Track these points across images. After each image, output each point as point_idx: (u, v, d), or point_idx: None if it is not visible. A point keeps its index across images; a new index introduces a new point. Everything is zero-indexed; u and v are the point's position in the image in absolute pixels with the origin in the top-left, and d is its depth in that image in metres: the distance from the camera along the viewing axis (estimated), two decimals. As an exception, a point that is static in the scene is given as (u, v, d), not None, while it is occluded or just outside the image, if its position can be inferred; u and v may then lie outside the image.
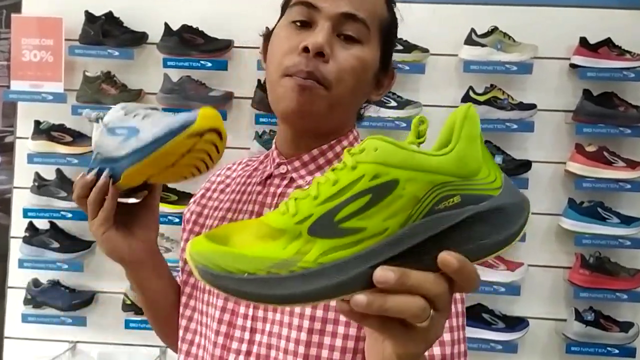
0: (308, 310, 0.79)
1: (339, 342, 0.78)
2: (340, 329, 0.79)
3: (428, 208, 0.49)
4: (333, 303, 0.72)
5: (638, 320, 2.34)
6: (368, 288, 0.48)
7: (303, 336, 0.79)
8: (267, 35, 0.90)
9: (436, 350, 0.77)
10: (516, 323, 2.33)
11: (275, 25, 0.89)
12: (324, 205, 0.50)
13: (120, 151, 0.79)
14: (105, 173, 0.81)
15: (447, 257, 0.48)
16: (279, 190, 0.88)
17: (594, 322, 2.29)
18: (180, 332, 0.95)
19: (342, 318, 0.79)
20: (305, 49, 0.80)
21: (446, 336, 0.77)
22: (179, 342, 0.94)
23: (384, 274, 0.47)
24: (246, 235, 0.51)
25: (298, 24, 0.84)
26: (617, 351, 2.30)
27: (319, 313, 0.79)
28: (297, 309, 0.80)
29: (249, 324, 0.84)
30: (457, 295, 0.82)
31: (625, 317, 2.36)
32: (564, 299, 2.40)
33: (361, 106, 0.93)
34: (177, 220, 2.27)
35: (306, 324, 0.79)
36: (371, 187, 0.49)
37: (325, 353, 0.78)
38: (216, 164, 0.84)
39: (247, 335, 0.84)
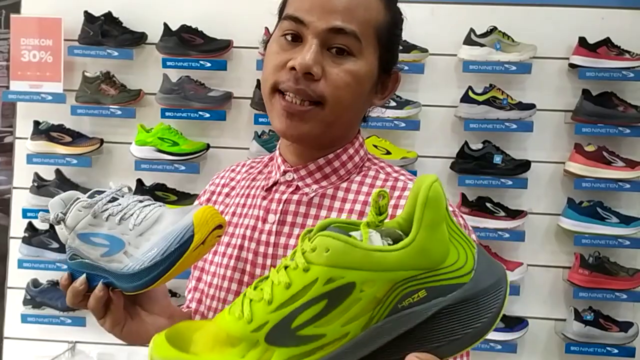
0: None
1: None
2: None
3: (391, 307, 0.45)
4: None
5: (637, 320, 2.34)
6: None
7: None
8: (266, 43, 0.90)
9: None
10: (516, 323, 2.33)
11: (273, 32, 0.88)
12: (279, 312, 0.47)
13: (110, 264, 0.71)
14: (99, 287, 0.73)
15: None
16: (284, 197, 0.88)
17: (594, 322, 2.29)
18: (193, 304, 0.92)
19: None
20: (293, 68, 0.79)
21: None
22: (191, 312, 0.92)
23: None
24: (206, 340, 0.49)
25: (288, 37, 0.82)
26: (616, 351, 2.30)
27: None
28: None
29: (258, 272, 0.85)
30: None
31: (624, 316, 2.36)
32: (564, 299, 2.40)
33: (365, 112, 0.92)
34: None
35: None
36: (326, 291, 0.45)
37: None
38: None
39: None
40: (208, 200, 0.99)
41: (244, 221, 0.91)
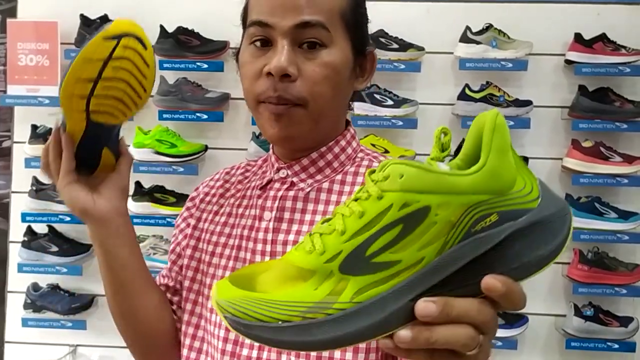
0: None
1: None
2: None
3: (464, 231, 0.46)
4: None
5: (637, 315, 2.34)
6: (411, 321, 0.46)
7: None
8: (237, 55, 0.90)
9: None
10: (516, 319, 2.33)
11: (240, 43, 0.89)
12: (353, 241, 0.47)
13: None
14: (56, 123, 0.81)
15: (492, 282, 0.46)
16: (279, 194, 0.89)
17: (594, 318, 2.29)
18: (187, 340, 0.92)
19: None
20: (270, 74, 0.79)
21: None
22: (182, 348, 0.92)
23: (426, 306, 0.45)
24: (273, 277, 0.48)
25: (258, 44, 0.82)
26: (617, 346, 2.30)
27: None
28: None
29: None
30: None
31: (624, 311, 2.36)
32: (563, 295, 2.40)
33: (349, 98, 0.91)
34: (175, 222, 2.27)
35: None
36: (401, 217, 0.46)
37: (337, 354, 0.78)
38: (149, 81, 0.80)
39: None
40: (202, 200, 0.99)
41: (240, 221, 0.91)
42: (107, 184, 0.85)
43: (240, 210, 0.92)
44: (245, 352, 0.83)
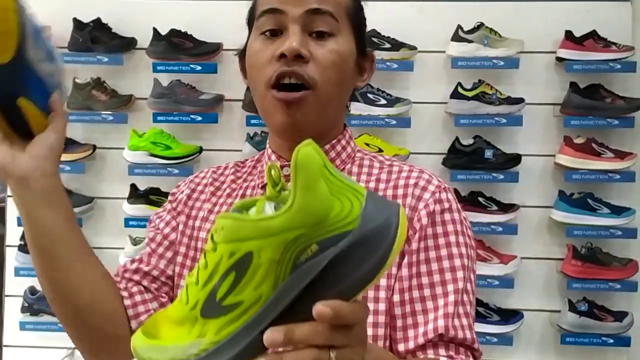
0: None
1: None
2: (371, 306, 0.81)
3: (290, 265, 0.51)
4: None
5: (632, 310, 2.36)
6: (265, 351, 0.52)
7: None
8: (242, 53, 0.91)
9: (429, 326, 0.80)
10: (511, 315, 2.35)
11: (247, 41, 0.90)
12: (205, 290, 0.53)
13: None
14: None
15: (321, 309, 0.50)
16: None
17: (588, 313, 2.31)
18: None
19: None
20: (282, 56, 0.81)
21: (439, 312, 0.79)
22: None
23: (271, 336, 0.50)
24: (167, 324, 0.56)
25: (268, 33, 0.85)
26: (611, 341, 2.32)
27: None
28: None
29: None
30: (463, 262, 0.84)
31: (618, 306, 2.38)
32: (558, 290, 2.42)
33: (349, 95, 0.94)
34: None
35: None
36: (232, 264, 0.52)
37: None
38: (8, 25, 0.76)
39: None
40: (189, 197, 0.98)
41: None
42: (34, 141, 0.77)
43: None
44: None
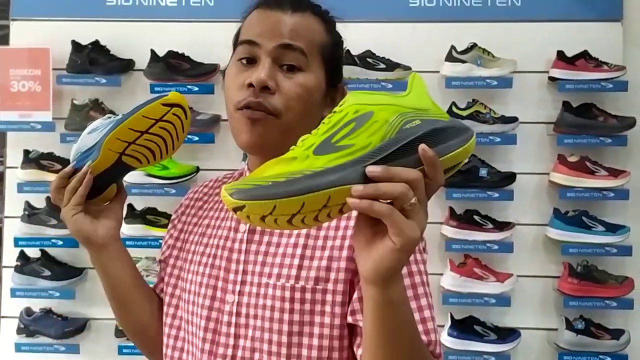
0: (287, 316, 0.88)
1: (316, 342, 0.87)
2: (316, 330, 0.87)
3: (398, 127, 0.67)
4: (307, 307, 0.85)
5: (628, 327, 2.36)
6: (363, 182, 0.64)
7: (284, 339, 0.87)
8: (224, 72, 0.99)
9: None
10: (508, 334, 2.34)
11: (230, 61, 0.98)
12: (323, 135, 0.67)
13: (97, 138, 0.94)
14: (85, 167, 0.94)
15: (425, 147, 0.65)
16: None
17: (585, 331, 2.31)
18: (170, 341, 1.01)
19: (317, 320, 0.87)
20: (251, 85, 0.89)
21: (420, 327, 0.84)
22: (165, 349, 1.02)
23: (373, 168, 0.64)
24: (267, 169, 0.66)
25: (244, 61, 0.93)
26: (609, 359, 2.31)
27: (296, 317, 0.87)
28: (277, 315, 0.88)
29: (232, 330, 0.92)
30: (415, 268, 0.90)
31: (615, 324, 2.38)
32: (554, 309, 2.42)
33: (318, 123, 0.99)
34: (168, 243, 2.28)
35: (285, 327, 0.87)
36: (354, 117, 0.67)
37: (305, 352, 0.87)
38: (179, 143, 0.98)
39: (231, 341, 0.91)
40: (183, 213, 1.09)
41: (217, 232, 0.99)
42: (107, 214, 1.00)
43: (218, 222, 1.00)
44: (220, 350, 0.92)
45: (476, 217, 2.35)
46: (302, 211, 0.64)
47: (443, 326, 2.36)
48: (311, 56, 0.92)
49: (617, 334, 2.33)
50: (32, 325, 2.42)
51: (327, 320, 0.87)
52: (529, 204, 2.42)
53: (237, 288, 0.92)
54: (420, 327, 0.83)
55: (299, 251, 0.89)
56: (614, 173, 2.33)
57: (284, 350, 0.87)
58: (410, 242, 0.64)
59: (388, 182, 0.63)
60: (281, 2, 0.94)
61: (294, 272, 0.88)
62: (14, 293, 2.43)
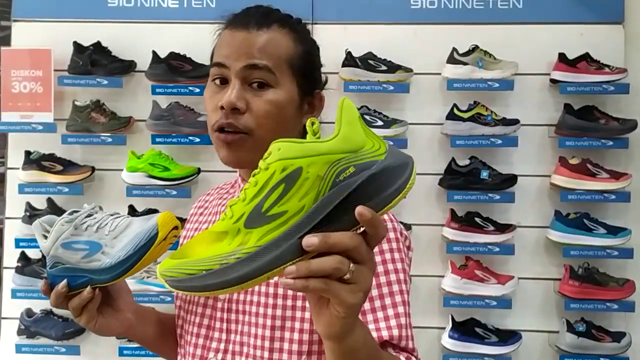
0: (270, 311, 0.93)
1: (296, 336, 0.92)
2: (297, 325, 0.92)
3: (331, 182, 0.62)
4: (289, 302, 0.90)
5: (629, 330, 2.36)
6: (301, 256, 0.60)
7: (267, 333, 0.93)
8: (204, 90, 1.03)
9: (384, 332, 0.88)
10: (509, 336, 2.34)
11: (207, 80, 1.01)
12: (252, 203, 0.62)
13: (90, 264, 0.90)
14: (88, 289, 0.91)
15: (362, 209, 0.60)
16: None
17: (586, 333, 2.31)
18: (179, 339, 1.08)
19: (298, 315, 0.93)
20: (222, 107, 0.93)
21: (392, 322, 0.88)
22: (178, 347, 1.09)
23: (309, 239, 0.59)
24: (200, 246, 0.63)
25: (217, 82, 0.97)
26: (610, 361, 2.32)
27: (279, 312, 0.93)
28: (261, 311, 0.94)
29: (225, 326, 0.98)
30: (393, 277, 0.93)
31: (616, 327, 2.37)
32: (556, 311, 2.42)
33: (299, 129, 1.02)
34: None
35: (269, 322, 0.93)
36: (282, 178, 0.62)
37: (286, 345, 0.92)
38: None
39: (224, 336, 0.98)
40: (188, 221, 1.15)
41: None
42: (117, 294, 0.99)
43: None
44: (214, 344, 0.98)
45: (477, 219, 2.35)
46: (243, 289, 0.62)
47: (444, 328, 2.35)
48: (279, 71, 0.95)
49: (618, 336, 2.33)
50: (32, 326, 2.42)
51: (307, 315, 0.91)
52: (530, 206, 2.42)
53: None
54: (393, 322, 0.88)
55: None
56: (615, 175, 2.33)
57: (267, 344, 0.92)
58: (353, 308, 0.62)
59: (321, 259, 0.59)
60: (247, 21, 0.96)
61: None
62: (14, 294, 2.43)
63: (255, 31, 0.95)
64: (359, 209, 0.59)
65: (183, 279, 0.60)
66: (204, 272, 0.60)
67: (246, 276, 0.59)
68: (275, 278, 0.87)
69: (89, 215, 0.93)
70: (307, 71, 1.00)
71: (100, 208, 0.95)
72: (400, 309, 0.90)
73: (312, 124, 0.65)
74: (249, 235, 0.61)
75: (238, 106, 0.93)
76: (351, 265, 0.60)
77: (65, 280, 0.92)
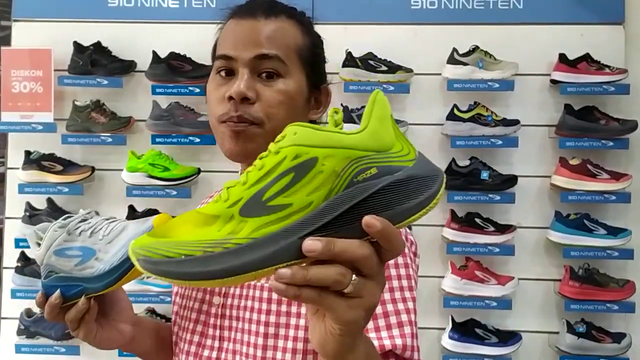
0: (263, 317, 0.87)
1: (290, 344, 0.86)
2: (291, 332, 0.86)
3: (348, 180, 0.53)
4: (284, 308, 0.84)
5: (630, 331, 2.35)
6: (298, 259, 0.52)
7: (260, 341, 0.87)
8: (205, 86, 0.99)
9: (386, 342, 0.81)
10: (509, 337, 2.34)
11: (209, 74, 0.98)
12: (252, 189, 0.54)
13: (84, 271, 0.84)
14: (83, 300, 0.86)
15: (370, 220, 0.51)
16: None
17: (586, 334, 2.30)
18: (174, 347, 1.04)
19: (293, 322, 0.86)
20: (231, 97, 0.90)
21: (395, 331, 0.82)
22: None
23: (312, 243, 0.51)
24: (185, 227, 0.54)
25: (223, 73, 0.93)
26: (610, 362, 2.31)
27: (272, 319, 0.87)
28: (255, 317, 0.88)
29: (217, 333, 0.93)
30: (404, 291, 0.86)
31: (617, 328, 2.37)
32: (556, 312, 2.41)
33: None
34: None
35: (262, 329, 0.87)
36: (293, 166, 0.53)
37: (279, 355, 0.86)
38: None
39: (217, 344, 0.93)
40: None
41: None
42: (119, 318, 0.95)
43: None
44: (206, 352, 0.94)
45: (477, 220, 2.35)
46: (224, 285, 0.54)
47: (444, 329, 2.35)
48: (289, 61, 0.92)
49: (618, 337, 2.32)
50: (32, 326, 2.42)
51: (302, 322, 0.86)
52: (530, 207, 2.41)
53: (223, 289, 0.94)
54: (395, 331, 0.81)
55: None
56: (616, 176, 2.33)
57: (259, 353, 0.86)
58: (351, 326, 0.54)
59: (321, 267, 0.51)
60: (254, 10, 0.93)
61: None
62: (14, 294, 2.43)
63: (264, 20, 0.92)
64: (367, 219, 0.51)
65: (157, 260, 0.51)
66: (183, 257, 0.51)
67: (231, 270, 0.50)
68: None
69: (83, 220, 0.87)
70: (314, 64, 0.97)
71: (97, 213, 0.90)
72: (404, 317, 0.83)
73: (335, 112, 0.57)
74: (243, 224, 0.52)
75: (249, 96, 0.89)
76: (354, 277, 0.53)
77: (58, 291, 0.85)
